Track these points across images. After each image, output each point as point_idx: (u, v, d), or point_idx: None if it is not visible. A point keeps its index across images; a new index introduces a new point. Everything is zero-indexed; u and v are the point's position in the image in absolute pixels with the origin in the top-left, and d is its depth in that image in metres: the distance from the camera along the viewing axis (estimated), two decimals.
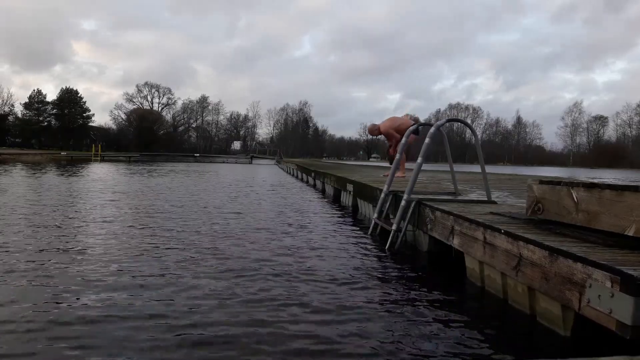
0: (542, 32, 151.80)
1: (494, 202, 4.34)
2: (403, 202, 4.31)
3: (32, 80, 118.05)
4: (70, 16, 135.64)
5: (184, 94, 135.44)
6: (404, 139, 5.50)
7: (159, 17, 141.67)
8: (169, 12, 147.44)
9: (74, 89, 71.26)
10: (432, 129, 4.57)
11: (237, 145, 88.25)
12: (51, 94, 68.89)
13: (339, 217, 6.72)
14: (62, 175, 15.36)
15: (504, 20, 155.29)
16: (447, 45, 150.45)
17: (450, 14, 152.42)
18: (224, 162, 47.97)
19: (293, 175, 21.30)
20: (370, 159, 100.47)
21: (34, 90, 69.21)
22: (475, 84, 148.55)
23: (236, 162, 48.42)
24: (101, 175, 16.21)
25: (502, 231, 2.66)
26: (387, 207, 5.04)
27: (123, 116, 78.56)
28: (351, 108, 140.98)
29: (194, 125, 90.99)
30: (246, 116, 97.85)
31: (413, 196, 4.38)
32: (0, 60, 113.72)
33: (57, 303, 2.51)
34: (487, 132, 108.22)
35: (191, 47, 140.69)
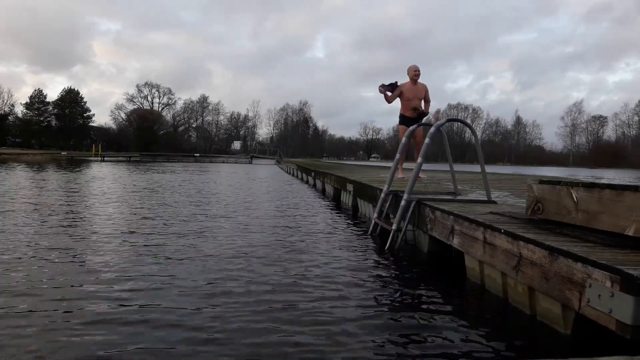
0: (565, 33, 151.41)
1: (494, 202, 4.34)
2: (403, 202, 4.31)
3: (49, 80, 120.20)
4: (91, 17, 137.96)
5: (197, 95, 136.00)
6: (404, 139, 5.49)
7: (179, 18, 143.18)
8: (187, 13, 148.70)
9: (75, 89, 71.50)
10: (432, 129, 4.57)
11: (237, 145, 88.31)
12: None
13: (339, 217, 6.72)
14: (73, 174, 15.38)
15: (529, 21, 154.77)
16: (467, 46, 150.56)
17: (475, 15, 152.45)
18: (223, 162, 48.00)
19: (293, 175, 21.30)
20: (370, 159, 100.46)
21: (34, 90, 69.42)
22: (491, 83, 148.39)
23: (236, 162, 48.46)
24: (115, 175, 16.22)
25: (502, 231, 2.66)
26: (387, 207, 5.04)
27: (123, 116, 78.75)
28: (359, 108, 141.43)
29: (194, 125, 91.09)
30: (246, 116, 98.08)
31: (413, 196, 4.38)
32: (17, 60, 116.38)
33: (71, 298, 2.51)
34: (487, 132, 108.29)
35: (210, 48, 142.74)
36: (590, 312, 1.90)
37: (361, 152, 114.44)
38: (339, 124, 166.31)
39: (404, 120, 7.40)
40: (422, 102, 7.44)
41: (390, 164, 6.12)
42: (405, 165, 8.30)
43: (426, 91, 7.44)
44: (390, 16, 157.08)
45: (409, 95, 7.29)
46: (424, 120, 7.36)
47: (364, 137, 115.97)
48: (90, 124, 72.91)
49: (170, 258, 3.65)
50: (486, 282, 2.98)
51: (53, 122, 69.13)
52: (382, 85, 7.24)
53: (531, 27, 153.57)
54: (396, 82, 7.31)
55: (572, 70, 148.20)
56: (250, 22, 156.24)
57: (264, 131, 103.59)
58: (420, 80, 7.40)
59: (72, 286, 2.84)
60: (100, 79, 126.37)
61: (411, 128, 5.45)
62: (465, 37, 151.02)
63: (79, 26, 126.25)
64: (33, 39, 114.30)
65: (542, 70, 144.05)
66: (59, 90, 73.70)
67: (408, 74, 7.36)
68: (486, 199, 4.48)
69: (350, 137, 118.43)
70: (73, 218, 5.65)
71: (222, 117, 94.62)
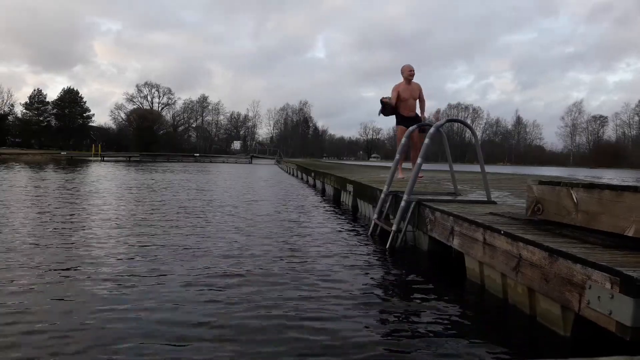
0: (566, 33, 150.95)
1: (494, 203, 4.34)
2: (403, 203, 4.31)
3: (49, 80, 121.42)
4: (92, 17, 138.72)
5: (197, 95, 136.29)
6: (404, 139, 5.49)
7: (179, 18, 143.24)
8: (188, 13, 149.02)
9: (75, 88, 71.58)
10: (431, 130, 4.57)
11: (237, 145, 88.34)
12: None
13: (339, 217, 6.72)
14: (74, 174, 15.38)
15: (530, 21, 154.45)
16: (468, 46, 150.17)
17: (475, 15, 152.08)
18: (223, 162, 48.03)
19: (293, 175, 21.30)
20: (370, 159, 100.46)
21: (34, 90, 69.45)
22: (491, 83, 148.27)
23: (236, 162, 48.48)
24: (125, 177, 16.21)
25: (502, 232, 2.66)
26: (387, 207, 5.04)
27: (123, 116, 78.81)
28: (359, 108, 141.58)
29: (194, 125, 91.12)
30: (246, 116, 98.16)
31: (413, 196, 4.38)
32: (17, 60, 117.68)
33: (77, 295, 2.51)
34: (487, 132, 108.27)
35: (210, 48, 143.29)
36: (590, 314, 1.90)
37: (361, 152, 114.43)
38: (339, 124, 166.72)
39: (402, 120, 7.36)
40: (417, 101, 7.44)
41: (390, 164, 6.11)
42: (403, 165, 8.26)
43: (420, 90, 7.43)
44: (390, 16, 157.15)
45: (404, 95, 7.27)
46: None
47: (364, 137, 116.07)
48: (90, 123, 72.97)
49: (169, 255, 3.65)
50: (486, 283, 2.98)
51: (53, 122, 69.15)
52: (386, 99, 7.20)
53: (532, 27, 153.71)
54: (382, 99, 7.23)
55: (573, 70, 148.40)
56: (250, 22, 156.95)
57: (264, 131, 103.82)
58: (421, 80, 7.41)
59: (70, 279, 2.84)
60: (101, 79, 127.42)
61: (410, 129, 5.44)
62: (466, 37, 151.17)
63: (80, 26, 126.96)
64: (34, 39, 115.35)
65: (542, 70, 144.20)
66: (59, 91, 74.00)
67: (402, 73, 7.33)
68: (486, 199, 4.48)
69: (350, 137, 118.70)
70: (72, 217, 5.65)
71: (222, 117, 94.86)
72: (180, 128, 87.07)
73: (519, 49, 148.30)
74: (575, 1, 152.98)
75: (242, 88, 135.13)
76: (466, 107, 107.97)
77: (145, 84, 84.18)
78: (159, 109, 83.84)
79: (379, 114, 7.37)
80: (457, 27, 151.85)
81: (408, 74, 7.26)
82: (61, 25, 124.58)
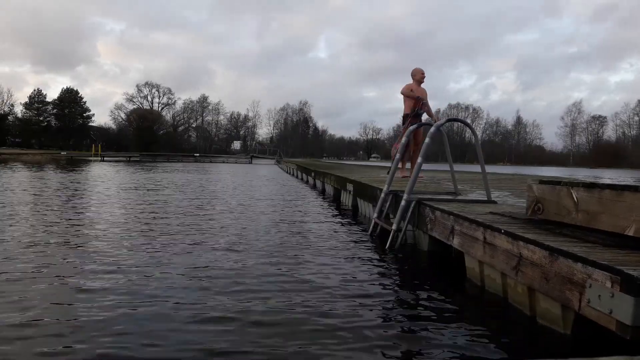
0: (569, 33, 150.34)
1: (494, 202, 4.34)
2: (403, 202, 4.30)
3: (51, 80, 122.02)
4: (96, 17, 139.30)
5: (199, 95, 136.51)
6: (404, 139, 5.50)
7: (183, 18, 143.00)
8: (191, 13, 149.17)
9: (75, 88, 71.61)
10: (432, 129, 4.57)
11: (237, 145, 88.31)
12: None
13: (339, 217, 6.72)
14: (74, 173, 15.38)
15: (533, 21, 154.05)
16: (470, 46, 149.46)
17: (478, 15, 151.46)
18: (223, 162, 48.07)
19: (293, 175, 21.30)
20: (370, 159, 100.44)
21: (34, 90, 69.49)
22: (493, 84, 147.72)
23: (236, 162, 48.50)
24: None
25: (502, 231, 2.66)
26: (387, 207, 5.04)
27: (123, 116, 78.84)
28: (360, 108, 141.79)
29: (194, 125, 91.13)
30: (246, 116, 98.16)
31: (413, 196, 4.38)
32: (20, 60, 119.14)
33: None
34: (487, 132, 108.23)
35: (213, 48, 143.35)
36: (591, 313, 1.90)
37: (361, 152, 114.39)
38: (339, 124, 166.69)
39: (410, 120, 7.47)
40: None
41: (390, 164, 6.11)
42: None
43: (426, 94, 7.61)
44: (392, 16, 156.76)
45: (418, 95, 7.40)
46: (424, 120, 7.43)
47: (364, 137, 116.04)
48: (90, 123, 73.00)
49: (169, 252, 3.65)
50: (486, 282, 2.98)
51: (53, 122, 69.17)
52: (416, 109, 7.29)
53: (535, 27, 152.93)
54: (418, 104, 7.29)
55: (575, 70, 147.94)
56: (252, 22, 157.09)
57: (264, 131, 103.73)
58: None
59: (69, 279, 2.84)
60: (104, 78, 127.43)
61: (411, 128, 5.46)
62: (469, 37, 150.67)
63: (83, 26, 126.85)
64: (37, 39, 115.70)
65: (544, 70, 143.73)
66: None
67: (415, 76, 7.52)
68: (486, 199, 4.48)
69: (350, 137, 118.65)
70: (74, 216, 5.65)
71: (222, 117, 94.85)
72: (180, 128, 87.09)
73: (521, 49, 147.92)
74: (579, 1, 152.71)
75: (242, 88, 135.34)
76: (466, 107, 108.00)
77: (146, 84, 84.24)
78: (159, 109, 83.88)
79: (405, 121, 7.44)
80: (459, 27, 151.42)
81: (421, 76, 7.49)
82: (64, 26, 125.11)
